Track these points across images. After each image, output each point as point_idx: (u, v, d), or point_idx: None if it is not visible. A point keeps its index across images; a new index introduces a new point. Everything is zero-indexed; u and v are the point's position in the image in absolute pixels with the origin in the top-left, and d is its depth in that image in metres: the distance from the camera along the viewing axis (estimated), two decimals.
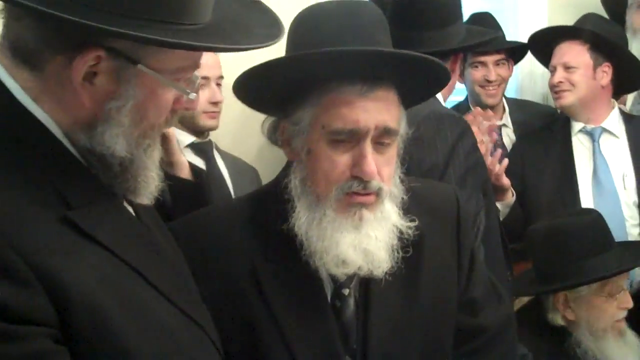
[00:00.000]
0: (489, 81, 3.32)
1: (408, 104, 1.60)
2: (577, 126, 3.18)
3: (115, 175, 1.19)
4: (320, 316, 1.56)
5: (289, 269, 1.55)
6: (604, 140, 3.15)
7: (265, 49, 1.22)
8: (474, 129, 2.41)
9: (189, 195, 1.90)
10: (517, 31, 3.74)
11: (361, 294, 1.59)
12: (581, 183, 3.10)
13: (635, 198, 3.05)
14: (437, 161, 2.13)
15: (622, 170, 3.09)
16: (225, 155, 2.51)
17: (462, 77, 3.35)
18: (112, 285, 1.11)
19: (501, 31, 3.29)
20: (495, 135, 3.02)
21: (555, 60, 3.14)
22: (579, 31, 3.09)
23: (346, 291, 1.58)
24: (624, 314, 2.40)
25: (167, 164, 1.84)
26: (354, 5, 1.54)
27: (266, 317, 1.54)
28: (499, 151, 2.80)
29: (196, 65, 1.24)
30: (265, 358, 1.54)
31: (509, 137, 3.42)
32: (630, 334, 2.43)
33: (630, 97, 3.51)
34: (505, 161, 2.78)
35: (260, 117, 1.67)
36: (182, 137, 2.35)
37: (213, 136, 2.50)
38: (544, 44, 3.20)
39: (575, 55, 3.08)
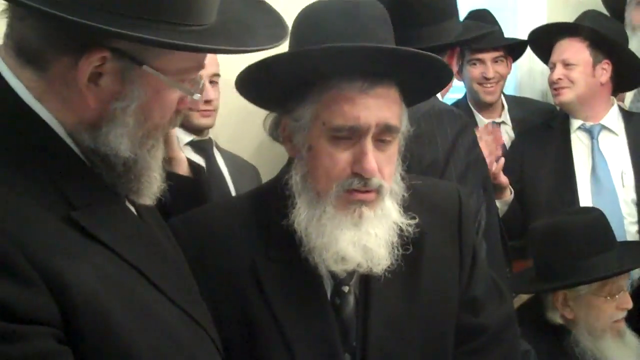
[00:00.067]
0: (487, 78, 3.32)
1: (410, 102, 1.59)
2: (575, 123, 3.19)
3: (119, 175, 1.19)
4: (320, 313, 1.55)
5: (289, 266, 1.55)
6: (603, 137, 3.15)
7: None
8: (481, 144, 2.41)
9: (187, 192, 1.89)
10: (516, 28, 3.74)
11: (361, 291, 1.58)
12: (580, 180, 3.11)
13: (634, 195, 3.05)
14: (438, 157, 2.12)
15: (621, 168, 3.09)
16: (225, 153, 2.51)
17: (460, 75, 3.36)
18: (115, 285, 1.11)
19: (499, 27, 3.29)
20: (499, 133, 3.03)
21: (554, 57, 3.14)
22: (579, 28, 3.09)
23: (346, 288, 1.58)
24: (623, 314, 2.40)
25: (166, 160, 1.83)
26: (357, 2, 1.53)
27: (265, 314, 1.54)
28: (499, 149, 2.79)
29: (201, 66, 1.23)
30: (264, 355, 1.53)
31: (507, 134, 3.42)
32: (629, 335, 2.42)
33: (629, 95, 3.51)
34: (502, 160, 2.78)
35: (259, 115, 1.67)
36: (182, 135, 2.34)
37: (213, 134, 2.49)
38: (544, 40, 3.20)
39: (574, 52, 3.08)
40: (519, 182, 3.10)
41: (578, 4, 3.49)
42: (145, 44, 1.09)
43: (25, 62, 1.12)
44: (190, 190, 1.93)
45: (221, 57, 2.42)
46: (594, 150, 3.14)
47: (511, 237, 2.66)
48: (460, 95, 3.54)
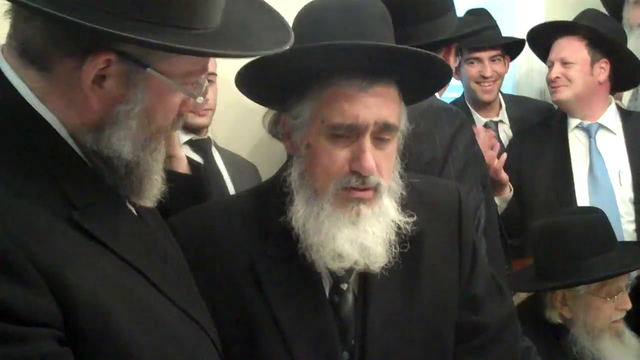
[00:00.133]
0: (484, 77, 3.31)
1: (409, 101, 1.59)
2: (573, 122, 3.19)
3: (121, 177, 1.19)
4: (318, 311, 1.55)
5: (287, 264, 1.55)
6: (601, 136, 3.15)
7: None
8: (477, 140, 2.41)
9: (187, 189, 1.89)
10: (513, 27, 3.74)
11: (360, 289, 1.58)
12: (577, 179, 3.11)
13: (631, 194, 3.05)
14: (436, 155, 2.12)
15: (618, 167, 3.10)
16: (224, 152, 2.50)
17: (458, 74, 3.35)
18: (115, 285, 1.11)
19: (496, 27, 3.29)
20: (492, 132, 3.03)
21: (553, 55, 3.14)
22: (577, 27, 3.09)
23: (345, 286, 1.58)
24: (622, 315, 2.39)
25: (166, 158, 1.83)
26: (358, 0, 1.53)
27: (264, 311, 1.53)
28: (497, 145, 2.80)
29: (205, 69, 1.24)
30: (263, 353, 1.53)
31: (505, 133, 3.41)
32: (628, 335, 2.42)
33: (627, 94, 3.52)
34: (504, 156, 2.78)
35: (258, 112, 1.67)
36: (180, 135, 2.34)
37: (211, 132, 2.49)
38: (543, 39, 3.20)
39: (572, 50, 3.09)
40: (516, 181, 3.09)
41: (576, 3, 3.50)
42: (152, 49, 1.09)
43: (29, 62, 1.11)
44: (190, 188, 1.93)
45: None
46: (592, 149, 3.14)
47: (510, 235, 2.66)
48: (457, 94, 3.54)
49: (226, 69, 2.32)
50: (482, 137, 2.72)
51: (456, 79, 3.36)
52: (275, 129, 1.61)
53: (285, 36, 1.25)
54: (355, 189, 1.49)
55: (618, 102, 3.35)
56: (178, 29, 1.11)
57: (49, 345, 1.01)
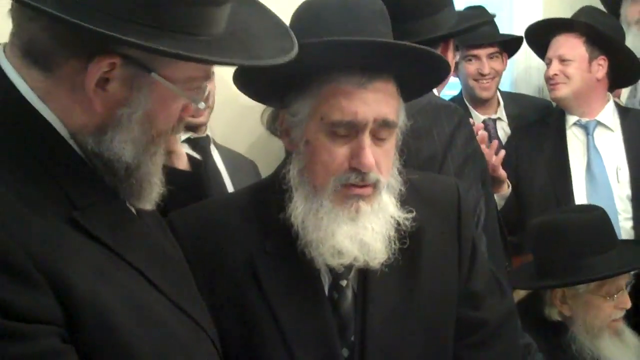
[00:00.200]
0: (482, 74, 3.32)
1: (408, 97, 1.59)
2: (571, 119, 3.19)
3: (120, 180, 1.20)
4: (317, 308, 1.55)
5: (286, 260, 1.55)
6: (599, 133, 3.16)
7: None
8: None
9: (187, 186, 1.88)
10: (511, 24, 3.74)
11: (359, 285, 1.58)
12: (575, 176, 3.11)
13: (629, 191, 3.06)
14: (435, 152, 2.12)
15: (616, 164, 3.10)
16: (223, 150, 2.49)
17: (456, 71, 3.35)
18: (116, 285, 1.11)
19: (494, 24, 3.29)
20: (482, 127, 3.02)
21: (551, 52, 3.14)
22: (575, 24, 3.10)
23: (344, 282, 1.58)
24: (622, 313, 2.38)
25: (166, 154, 1.83)
26: None
27: (263, 308, 1.53)
28: (495, 142, 2.79)
29: (208, 75, 1.24)
30: (261, 350, 1.53)
31: (503, 130, 3.42)
32: (628, 333, 2.41)
33: (625, 91, 3.52)
34: (502, 152, 2.78)
35: (256, 109, 1.66)
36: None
37: (209, 129, 2.48)
38: (541, 36, 3.20)
39: (570, 47, 3.09)
40: (514, 178, 3.09)
41: (573, 0, 3.50)
42: (159, 55, 1.08)
43: (32, 62, 1.11)
44: (190, 185, 1.93)
45: None
46: (589, 146, 3.14)
47: (508, 232, 2.66)
48: (455, 92, 3.54)
49: (224, 66, 2.32)
50: (481, 134, 2.71)
51: (454, 76, 3.36)
52: (274, 126, 1.60)
53: (290, 44, 1.25)
54: (355, 185, 1.49)
55: (617, 99, 3.35)
56: (184, 35, 1.11)
57: (51, 343, 1.02)
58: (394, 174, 1.57)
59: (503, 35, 3.40)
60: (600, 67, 3.10)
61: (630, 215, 3.04)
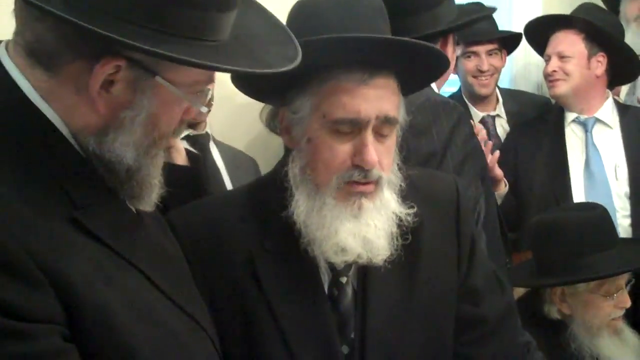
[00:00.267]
0: (481, 71, 3.32)
1: (407, 91, 1.60)
2: (570, 116, 3.19)
3: (121, 182, 1.20)
4: (317, 305, 1.55)
5: (286, 258, 1.55)
6: (597, 130, 3.16)
7: None
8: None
9: (186, 182, 1.88)
10: (511, 21, 3.74)
11: (359, 282, 1.58)
12: (573, 173, 3.11)
13: (627, 189, 3.06)
14: (435, 149, 2.12)
15: (615, 161, 3.10)
16: (222, 147, 2.49)
17: (455, 68, 3.35)
18: (117, 284, 1.12)
19: (493, 21, 3.28)
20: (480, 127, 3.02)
21: (550, 49, 3.14)
22: (575, 20, 3.09)
23: (344, 279, 1.58)
24: (621, 312, 2.38)
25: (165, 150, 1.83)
26: None
27: (262, 306, 1.53)
28: (490, 143, 2.79)
29: (211, 79, 1.25)
30: (261, 347, 1.53)
31: (502, 127, 3.42)
32: (628, 332, 2.41)
33: (624, 88, 3.52)
34: (497, 153, 2.78)
35: (254, 106, 1.66)
36: None
37: (208, 126, 2.47)
38: (540, 33, 3.20)
39: (569, 44, 3.09)
40: (513, 175, 3.10)
41: None
42: (168, 61, 1.09)
43: (36, 61, 1.11)
44: (189, 180, 1.93)
45: None
46: (588, 143, 3.14)
47: (508, 228, 2.66)
48: (454, 89, 3.54)
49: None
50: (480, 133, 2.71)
51: (453, 73, 3.35)
52: (273, 123, 1.60)
53: (294, 52, 1.26)
54: (357, 182, 1.49)
55: (616, 97, 3.35)
56: (189, 40, 1.11)
57: (54, 341, 1.02)
58: (394, 170, 1.57)
59: (502, 31, 3.39)
60: (600, 63, 3.10)
61: (628, 212, 3.05)
